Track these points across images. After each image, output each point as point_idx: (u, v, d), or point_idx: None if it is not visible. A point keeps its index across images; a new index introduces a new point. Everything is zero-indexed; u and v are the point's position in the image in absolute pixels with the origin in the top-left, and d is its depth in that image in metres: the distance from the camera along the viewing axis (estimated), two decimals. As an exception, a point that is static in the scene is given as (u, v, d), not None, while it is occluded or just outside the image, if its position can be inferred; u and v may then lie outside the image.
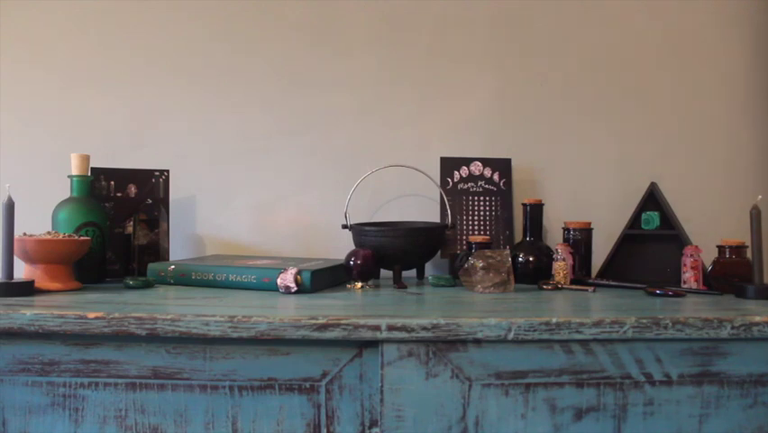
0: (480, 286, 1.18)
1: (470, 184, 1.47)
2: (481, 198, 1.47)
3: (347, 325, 0.90)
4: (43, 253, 1.10)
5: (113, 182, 1.36)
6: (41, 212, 1.32)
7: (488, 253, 1.19)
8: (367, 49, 1.53)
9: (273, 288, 1.15)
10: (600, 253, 1.43)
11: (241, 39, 1.52)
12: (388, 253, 1.28)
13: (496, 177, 1.48)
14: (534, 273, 1.31)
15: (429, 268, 1.47)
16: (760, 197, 1.29)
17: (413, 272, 1.42)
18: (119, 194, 1.36)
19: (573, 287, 1.25)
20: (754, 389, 0.95)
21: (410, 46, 1.53)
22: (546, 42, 1.54)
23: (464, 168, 1.48)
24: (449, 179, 1.47)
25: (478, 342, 0.92)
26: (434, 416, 0.92)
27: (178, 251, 1.49)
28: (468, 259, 1.20)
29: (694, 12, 1.55)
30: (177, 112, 1.52)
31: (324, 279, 1.20)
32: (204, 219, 1.52)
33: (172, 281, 1.25)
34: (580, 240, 1.37)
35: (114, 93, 1.51)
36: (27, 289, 1.06)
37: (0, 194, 1.14)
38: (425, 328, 0.90)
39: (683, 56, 1.55)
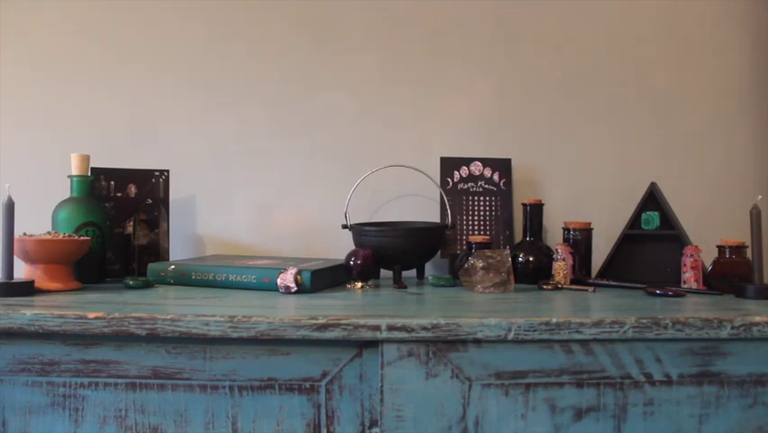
0: (480, 286, 1.18)
1: (470, 184, 1.47)
2: (481, 198, 1.47)
3: (347, 325, 0.90)
4: (43, 253, 1.10)
5: (113, 182, 1.36)
6: (41, 212, 1.32)
7: (488, 253, 1.19)
8: (367, 49, 1.53)
9: (273, 288, 1.15)
10: (600, 253, 1.43)
11: (241, 39, 1.52)
12: (388, 253, 1.28)
13: (496, 177, 1.48)
14: (534, 273, 1.31)
15: (429, 268, 1.47)
16: (760, 197, 1.29)
17: (413, 272, 1.42)
18: (119, 194, 1.36)
19: (573, 287, 1.25)
20: (754, 389, 0.95)
21: (410, 46, 1.53)
22: (546, 42, 1.54)
23: (464, 168, 1.48)
24: (449, 179, 1.47)
25: (478, 342, 0.92)
26: (434, 416, 0.92)
27: (178, 251, 1.49)
28: (468, 259, 1.20)
29: (694, 12, 1.55)
30: (177, 112, 1.52)
31: (324, 279, 1.20)
32: (204, 219, 1.52)
33: (172, 281, 1.25)
34: (580, 240, 1.37)
35: (114, 93, 1.51)
36: (27, 289, 1.06)
37: (0, 194, 1.14)
38: (425, 328, 0.90)
39: (683, 56, 1.55)
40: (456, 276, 1.27)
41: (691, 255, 1.25)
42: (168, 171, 1.42)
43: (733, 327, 0.92)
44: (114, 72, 1.51)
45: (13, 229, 1.07)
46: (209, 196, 1.52)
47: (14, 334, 0.92)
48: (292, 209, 1.53)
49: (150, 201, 1.39)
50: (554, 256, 1.30)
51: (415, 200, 1.53)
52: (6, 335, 0.92)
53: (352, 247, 1.33)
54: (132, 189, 1.38)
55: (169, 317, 0.90)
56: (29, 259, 1.11)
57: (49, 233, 1.17)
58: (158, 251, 1.39)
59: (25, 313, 0.91)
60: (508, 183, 1.48)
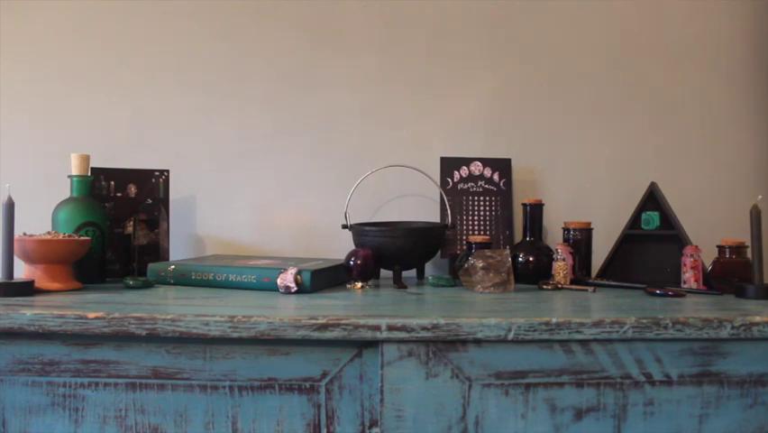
0: (480, 286, 1.18)
1: (470, 184, 1.47)
2: (481, 198, 1.47)
3: (347, 325, 0.90)
4: (43, 253, 1.10)
5: (113, 182, 1.36)
6: (41, 212, 1.32)
7: (488, 253, 1.19)
8: (367, 49, 1.53)
9: (273, 288, 1.15)
10: (600, 253, 1.42)
11: (241, 39, 1.52)
12: (388, 253, 1.28)
13: (496, 177, 1.48)
14: (534, 273, 1.31)
15: (429, 268, 1.47)
16: (760, 197, 1.29)
17: (413, 272, 1.42)
18: (119, 194, 1.36)
19: (573, 287, 1.25)
20: (754, 389, 0.95)
21: (410, 46, 1.53)
22: (546, 42, 1.54)
23: (464, 168, 1.48)
24: (449, 179, 1.47)
25: (478, 342, 0.92)
26: (434, 416, 0.92)
27: (178, 251, 1.49)
28: (468, 259, 1.20)
29: (694, 12, 1.55)
30: (177, 112, 1.52)
31: (324, 279, 1.20)
32: (204, 219, 1.52)
33: (172, 281, 1.25)
34: (580, 240, 1.37)
35: (114, 93, 1.51)
36: (27, 289, 1.06)
37: (0, 194, 1.14)
38: (425, 328, 0.90)
39: (683, 56, 1.55)
40: (456, 276, 1.27)
41: (691, 255, 1.25)
42: (168, 171, 1.42)
43: (733, 327, 0.92)
44: (114, 72, 1.51)
45: (13, 229, 1.07)
46: (209, 196, 1.52)
47: (14, 334, 0.92)
48: (292, 209, 1.53)
49: (150, 201, 1.39)
50: (554, 256, 1.30)
51: (415, 200, 1.53)
52: (6, 335, 0.92)
53: (352, 247, 1.33)
54: (132, 189, 1.38)
55: (169, 317, 0.90)
56: (29, 259, 1.11)
57: (49, 233, 1.17)
58: (158, 251, 1.39)
59: (25, 313, 0.91)
60: (508, 183, 1.48)
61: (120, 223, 1.36)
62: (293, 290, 1.13)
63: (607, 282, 1.29)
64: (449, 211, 1.41)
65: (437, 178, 1.47)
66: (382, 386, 0.91)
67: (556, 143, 1.54)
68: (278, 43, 1.53)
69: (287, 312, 0.94)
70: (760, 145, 1.54)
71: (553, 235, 1.51)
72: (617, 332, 0.91)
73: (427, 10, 1.53)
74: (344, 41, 1.53)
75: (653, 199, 1.36)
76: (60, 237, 1.14)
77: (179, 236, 1.50)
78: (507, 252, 1.19)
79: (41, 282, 1.11)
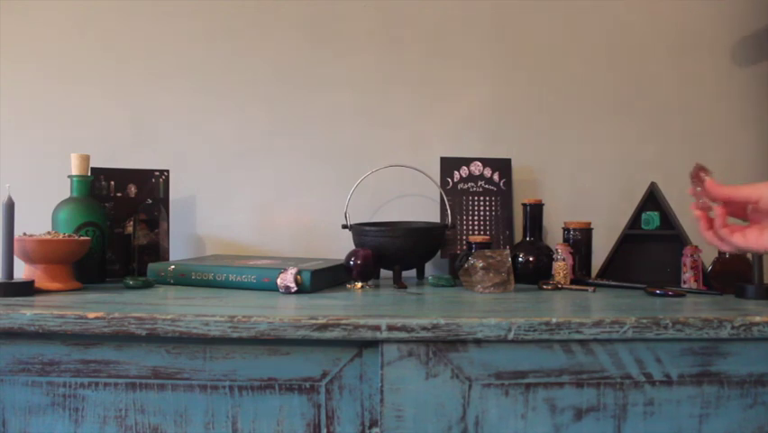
0: (480, 286, 1.18)
1: (470, 184, 1.47)
2: (481, 198, 1.47)
3: (347, 325, 0.90)
4: (43, 253, 1.10)
5: (113, 182, 1.36)
6: (41, 212, 1.32)
7: (488, 253, 1.19)
8: (367, 49, 1.53)
9: (273, 288, 1.15)
10: (600, 253, 1.42)
11: (241, 39, 1.52)
12: (388, 253, 1.28)
13: (496, 177, 1.48)
14: (534, 273, 1.31)
15: (429, 268, 1.47)
16: (760, 197, 1.29)
17: (413, 272, 1.42)
18: (119, 194, 1.36)
19: (573, 287, 1.25)
20: (754, 389, 0.95)
21: (410, 46, 1.53)
22: (546, 42, 1.54)
23: (464, 168, 1.48)
24: (449, 179, 1.47)
25: (478, 342, 0.92)
26: (434, 416, 0.92)
27: (178, 251, 1.49)
28: (468, 259, 1.20)
29: (694, 12, 1.55)
30: (177, 112, 1.52)
31: (324, 279, 1.20)
32: (204, 219, 1.52)
33: (172, 281, 1.25)
34: (580, 240, 1.37)
35: (114, 93, 1.51)
36: (27, 289, 1.06)
37: (0, 194, 1.14)
38: (425, 328, 0.90)
39: (683, 56, 1.55)
40: (456, 276, 1.27)
41: (691, 255, 1.25)
42: (168, 171, 1.42)
43: (733, 327, 0.92)
44: (114, 72, 1.51)
45: (13, 229, 1.07)
46: (209, 196, 1.52)
47: (14, 334, 0.92)
48: (292, 209, 1.53)
49: (150, 201, 1.39)
50: (554, 256, 1.30)
51: (415, 200, 1.53)
52: (6, 335, 0.92)
53: (352, 247, 1.33)
54: (132, 189, 1.38)
55: (169, 317, 0.90)
56: (29, 259, 1.11)
57: (49, 233, 1.17)
58: (158, 251, 1.39)
59: (25, 313, 0.91)
60: (508, 183, 1.48)
61: (120, 223, 1.36)
62: (293, 290, 1.13)
63: (607, 282, 1.29)
64: (449, 211, 1.41)
65: (437, 178, 1.47)
66: (382, 386, 0.91)
67: (556, 143, 1.54)
68: (278, 43, 1.53)
69: (287, 312, 0.94)
70: (759, 145, 1.54)
71: (553, 235, 1.51)
72: (617, 332, 0.91)
73: (427, 10, 1.53)
74: (344, 41, 1.53)
75: (653, 199, 1.36)
76: (60, 237, 1.14)
77: (179, 236, 1.50)
78: (507, 252, 1.19)
79: (41, 282, 1.11)
